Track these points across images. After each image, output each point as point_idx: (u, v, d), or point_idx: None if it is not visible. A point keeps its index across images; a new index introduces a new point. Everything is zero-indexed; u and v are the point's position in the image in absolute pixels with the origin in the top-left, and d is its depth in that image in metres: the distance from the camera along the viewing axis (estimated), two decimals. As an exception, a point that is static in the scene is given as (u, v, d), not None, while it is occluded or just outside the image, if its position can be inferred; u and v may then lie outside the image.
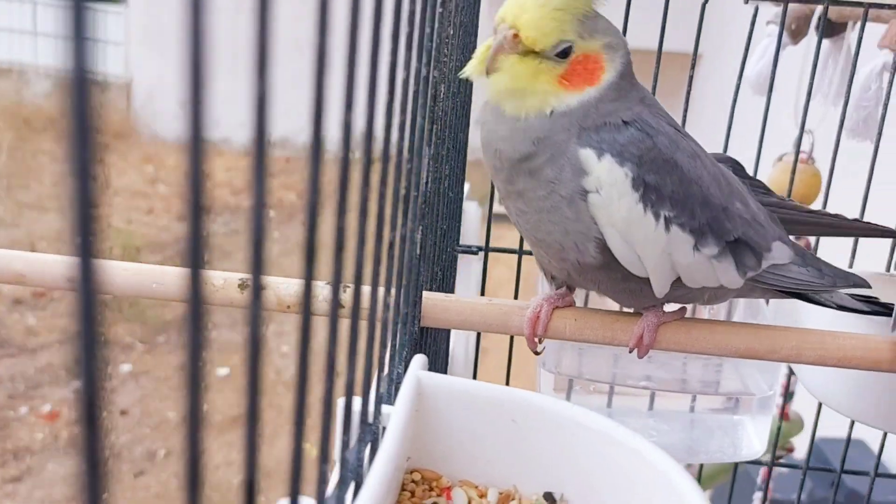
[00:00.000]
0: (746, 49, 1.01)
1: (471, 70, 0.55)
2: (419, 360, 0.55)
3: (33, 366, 4.25)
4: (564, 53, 0.53)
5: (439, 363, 0.80)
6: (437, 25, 0.56)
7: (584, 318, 0.62)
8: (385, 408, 0.48)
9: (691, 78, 0.89)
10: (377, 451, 0.43)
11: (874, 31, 1.00)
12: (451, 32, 0.68)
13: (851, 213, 0.95)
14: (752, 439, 0.84)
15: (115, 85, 7.59)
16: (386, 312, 0.50)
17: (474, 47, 0.84)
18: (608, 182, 0.53)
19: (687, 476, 0.42)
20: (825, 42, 1.15)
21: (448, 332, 0.87)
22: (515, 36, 0.52)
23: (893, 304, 0.66)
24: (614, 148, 0.53)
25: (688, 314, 0.64)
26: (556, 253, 0.59)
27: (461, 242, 0.92)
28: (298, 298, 0.62)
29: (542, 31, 0.52)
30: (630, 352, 0.62)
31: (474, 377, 0.97)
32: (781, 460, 1.21)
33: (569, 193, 0.54)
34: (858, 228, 0.68)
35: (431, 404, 0.52)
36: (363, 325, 0.44)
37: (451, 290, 0.90)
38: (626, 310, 0.65)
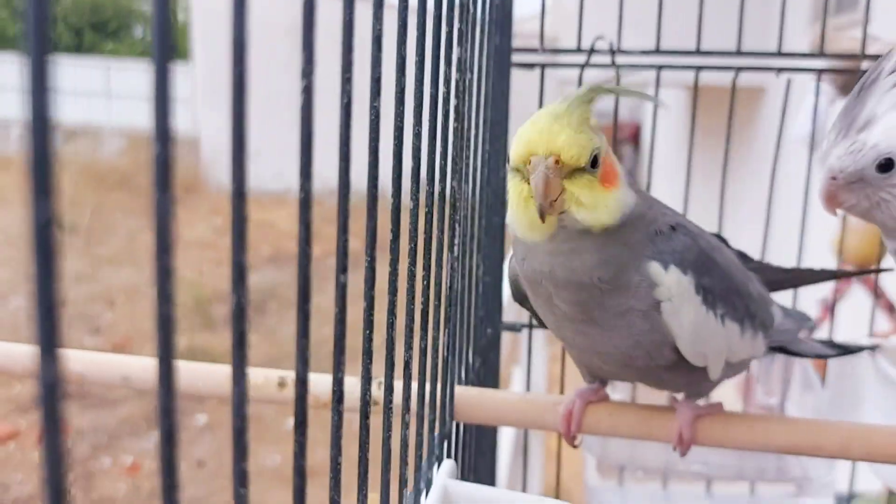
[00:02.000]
0: (783, 112, 0.99)
1: (529, 228, 0.53)
2: (447, 467, 0.55)
3: (114, 418, 4.40)
4: (595, 163, 0.53)
5: (486, 450, 0.80)
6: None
7: (618, 413, 0.62)
8: (409, 521, 0.48)
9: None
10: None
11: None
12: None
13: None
14: (813, 524, 0.80)
15: (183, 140, 7.95)
16: (417, 420, 0.51)
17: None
18: (677, 291, 0.54)
19: None
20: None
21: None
22: (557, 161, 0.51)
23: (854, 345, 0.78)
24: (675, 258, 0.55)
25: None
26: (618, 360, 0.59)
27: (504, 319, 0.92)
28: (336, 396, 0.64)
29: (579, 146, 0.51)
30: (674, 449, 0.61)
31: (524, 461, 0.96)
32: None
33: (645, 307, 0.55)
34: (828, 275, 0.75)
35: (459, 513, 0.52)
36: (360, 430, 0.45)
37: (496, 371, 0.90)
38: (658, 401, 0.64)
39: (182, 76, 8.31)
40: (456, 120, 0.57)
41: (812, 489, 0.80)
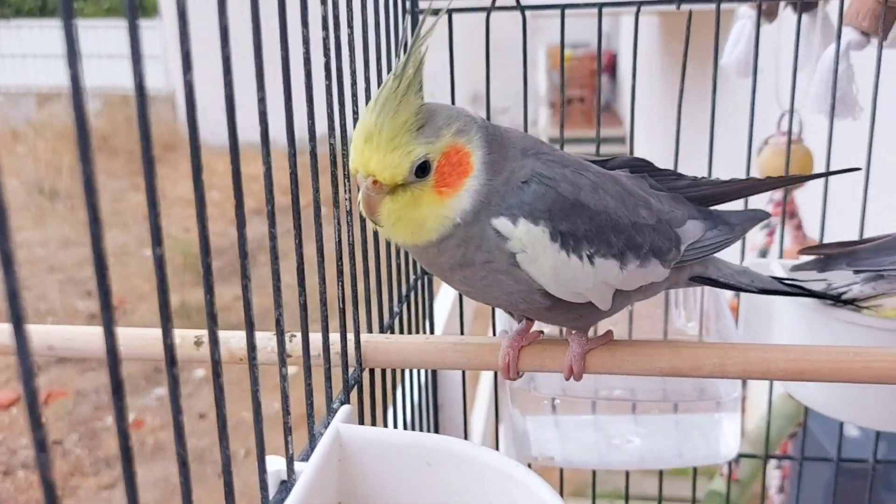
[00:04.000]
0: (716, 36, 1.00)
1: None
2: (343, 411, 0.59)
3: (114, 377, 4.49)
4: (425, 169, 0.53)
5: (426, 391, 0.84)
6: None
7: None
8: (299, 465, 0.52)
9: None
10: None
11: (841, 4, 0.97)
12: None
13: (852, 190, 0.94)
14: (729, 439, 0.85)
15: (158, 98, 7.86)
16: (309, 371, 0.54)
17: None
18: (529, 242, 0.55)
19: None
20: (804, 17, 1.12)
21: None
22: (375, 182, 0.53)
23: (814, 289, 0.72)
24: (524, 210, 0.55)
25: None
26: (506, 307, 0.63)
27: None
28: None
29: (392, 167, 0.52)
30: (567, 380, 0.64)
31: (464, 396, 1.00)
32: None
33: (503, 266, 0.57)
34: (768, 185, 0.71)
35: (354, 453, 0.56)
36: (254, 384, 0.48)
37: (428, 316, 0.94)
38: (555, 335, 0.67)
39: (150, 33, 8.16)
40: (327, 78, 0.58)
41: (725, 406, 0.84)
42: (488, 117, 0.93)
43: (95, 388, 4.39)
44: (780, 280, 0.72)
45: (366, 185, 0.53)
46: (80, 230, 6.47)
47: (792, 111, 1.12)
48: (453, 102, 0.91)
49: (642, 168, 0.69)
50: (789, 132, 1.04)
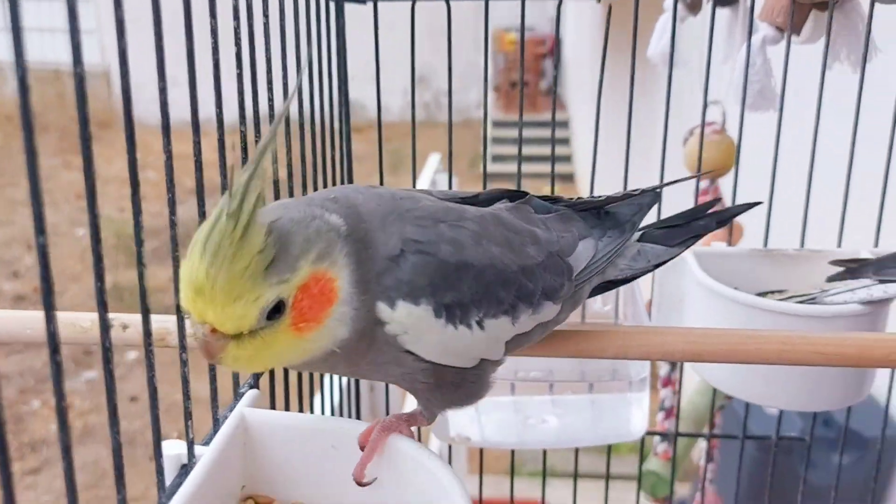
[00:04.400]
0: (634, 30, 1.03)
1: None
2: (250, 396, 0.59)
3: (40, 360, 4.38)
4: (279, 309, 0.44)
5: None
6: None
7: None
8: (200, 449, 0.53)
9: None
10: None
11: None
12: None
13: (763, 180, 0.98)
14: (638, 418, 0.88)
15: (92, 73, 7.62)
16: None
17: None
18: (410, 324, 0.49)
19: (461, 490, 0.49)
20: (726, 11, 1.16)
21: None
22: (214, 330, 0.43)
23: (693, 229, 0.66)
24: (402, 290, 0.49)
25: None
26: (393, 383, 0.57)
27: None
28: (160, 335, 0.67)
29: (235, 318, 0.42)
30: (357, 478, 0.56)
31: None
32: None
33: (391, 356, 0.51)
34: (626, 197, 0.64)
35: (259, 437, 0.56)
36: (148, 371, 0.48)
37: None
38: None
39: (85, 6, 7.89)
40: (238, 66, 0.58)
41: (635, 387, 0.87)
42: (413, 97, 0.93)
43: (21, 371, 4.29)
44: (667, 245, 0.66)
45: (202, 334, 0.43)
46: (10, 209, 6.25)
47: (705, 103, 1.15)
48: (378, 85, 0.91)
49: (516, 198, 0.62)
50: (702, 123, 1.07)
